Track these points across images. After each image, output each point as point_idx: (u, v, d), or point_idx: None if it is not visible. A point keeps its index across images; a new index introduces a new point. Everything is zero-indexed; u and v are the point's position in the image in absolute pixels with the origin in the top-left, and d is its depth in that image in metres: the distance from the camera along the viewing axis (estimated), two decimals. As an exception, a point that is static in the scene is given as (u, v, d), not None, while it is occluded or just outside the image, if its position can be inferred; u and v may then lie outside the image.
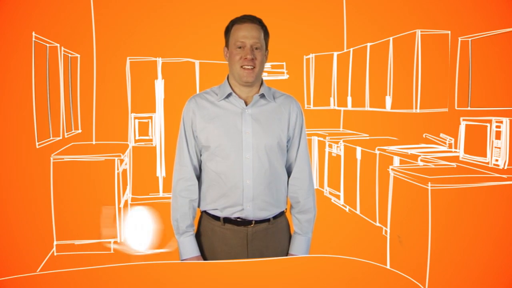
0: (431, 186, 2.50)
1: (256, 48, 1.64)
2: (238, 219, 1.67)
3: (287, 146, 1.74)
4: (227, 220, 1.69)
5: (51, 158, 3.31)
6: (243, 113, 1.67)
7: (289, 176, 1.76)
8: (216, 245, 1.70)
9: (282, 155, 1.72)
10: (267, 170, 1.67)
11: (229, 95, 1.69)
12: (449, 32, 3.48)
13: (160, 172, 5.12)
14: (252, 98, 1.68)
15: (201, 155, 1.74)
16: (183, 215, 1.71)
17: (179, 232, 1.71)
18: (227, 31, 1.70)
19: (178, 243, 1.73)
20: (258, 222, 1.69)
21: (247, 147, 1.65)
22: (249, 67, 1.62)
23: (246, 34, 1.63)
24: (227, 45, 1.71)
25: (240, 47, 1.63)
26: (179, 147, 1.74)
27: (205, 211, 1.74)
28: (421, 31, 3.45)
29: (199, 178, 1.77)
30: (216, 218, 1.70)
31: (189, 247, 1.70)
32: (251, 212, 1.66)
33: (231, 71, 1.69)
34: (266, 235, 1.70)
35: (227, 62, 1.73)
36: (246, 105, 1.68)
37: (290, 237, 1.78)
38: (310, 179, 1.75)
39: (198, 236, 1.76)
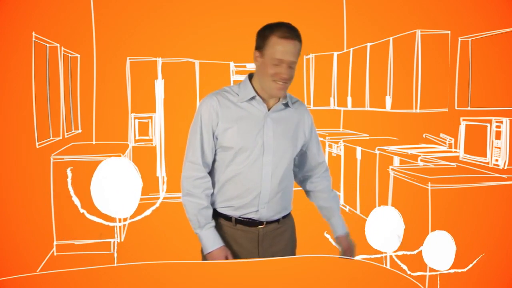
0: (431, 186, 2.50)
1: (291, 67, 1.59)
2: (250, 220, 1.68)
3: (302, 149, 1.79)
4: (238, 221, 1.68)
5: (51, 158, 3.31)
6: (266, 117, 1.67)
7: (310, 174, 1.85)
8: (227, 246, 1.70)
9: (293, 159, 1.77)
10: (283, 174, 1.69)
11: (252, 97, 1.67)
12: (449, 32, 3.48)
13: (160, 172, 5.11)
14: (273, 102, 1.69)
15: (215, 154, 1.71)
16: (202, 209, 1.67)
17: (200, 225, 1.67)
18: (264, 37, 1.61)
19: (200, 237, 1.68)
20: (269, 222, 1.70)
21: (268, 150, 1.65)
22: (281, 83, 1.60)
23: (286, 51, 1.57)
24: (260, 50, 1.62)
25: (278, 62, 1.58)
26: (192, 143, 1.69)
27: (216, 210, 1.73)
28: (421, 31, 3.45)
29: (211, 176, 1.74)
30: (228, 218, 1.69)
31: (213, 239, 1.66)
32: (265, 214, 1.67)
33: (260, 79, 1.66)
34: (275, 235, 1.71)
35: (252, 65, 1.70)
36: (268, 108, 1.69)
37: (295, 235, 1.81)
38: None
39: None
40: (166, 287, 1.28)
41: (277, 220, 1.71)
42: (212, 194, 1.73)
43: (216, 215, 1.72)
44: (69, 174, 1.63)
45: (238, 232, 1.69)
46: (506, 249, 2.51)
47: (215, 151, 1.70)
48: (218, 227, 1.72)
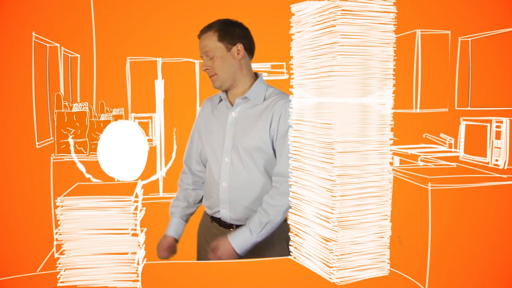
0: (431, 186, 2.49)
1: (211, 57, 1.67)
2: (221, 220, 1.72)
3: (273, 149, 1.67)
4: (213, 218, 1.77)
5: (51, 158, 3.31)
6: (229, 116, 1.70)
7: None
8: (207, 240, 1.78)
9: (266, 159, 1.65)
10: (245, 174, 1.64)
11: (221, 99, 1.75)
12: (449, 32, 3.48)
13: (160, 172, 5.11)
14: (235, 101, 1.72)
15: None
16: (175, 201, 1.86)
17: (170, 214, 1.86)
18: None
19: None
20: (239, 227, 1.67)
21: (227, 150, 1.67)
22: (210, 74, 1.68)
23: (199, 48, 1.70)
24: None
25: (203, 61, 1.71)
26: (188, 144, 1.88)
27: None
28: (421, 31, 3.45)
29: (202, 172, 1.89)
30: (207, 214, 1.80)
31: (169, 227, 1.83)
32: (227, 215, 1.69)
33: None
34: None
35: None
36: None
37: (283, 246, 1.69)
38: (285, 189, 1.54)
39: (198, 229, 1.88)
40: (162, 286, 1.28)
41: None
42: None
43: (204, 211, 1.86)
44: (71, 141, 1.68)
45: (214, 229, 1.76)
46: (506, 249, 2.51)
47: None
48: (203, 221, 1.85)
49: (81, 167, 1.40)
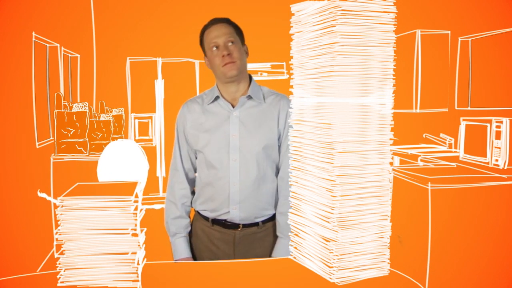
0: (431, 186, 2.49)
1: (232, 43, 1.63)
2: (226, 222, 1.68)
3: (279, 146, 1.70)
4: (215, 221, 1.70)
5: (51, 158, 3.31)
6: (230, 116, 1.67)
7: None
8: (206, 245, 1.73)
9: (271, 157, 1.68)
10: (254, 173, 1.64)
11: (216, 98, 1.69)
12: (449, 32, 3.48)
13: (160, 172, 5.11)
14: (239, 100, 1.68)
15: (196, 157, 1.76)
16: (174, 218, 1.75)
17: (170, 234, 1.76)
18: (201, 40, 1.72)
19: (171, 244, 1.77)
20: (246, 226, 1.68)
21: (234, 150, 1.64)
22: (227, 62, 1.62)
23: (216, 34, 1.65)
24: (204, 53, 1.72)
25: (215, 48, 1.64)
26: (173, 151, 1.79)
27: (197, 211, 1.78)
28: (421, 31, 3.45)
29: (194, 179, 1.80)
30: (206, 218, 1.73)
31: (180, 249, 1.74)
32: (237, 215, 1.66)
33: (216, 75, 1.70)
34: (254, 239, 1.68)
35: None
36: (233, 107, 1.68)
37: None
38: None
39: (190, 234, 1.80)
40: (158, 286, 1.28)
41: (256, 224, 1.69)
42: (194, 197, 1.79)
43: (198, 215, 1.78)
44: (43, 195, 1.67)
45: (215, 233, 1.71)
46: (506, 249, 2.51)
47: (196, 155, 1.76)
48: (198, 227, 1.76)
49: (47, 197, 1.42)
